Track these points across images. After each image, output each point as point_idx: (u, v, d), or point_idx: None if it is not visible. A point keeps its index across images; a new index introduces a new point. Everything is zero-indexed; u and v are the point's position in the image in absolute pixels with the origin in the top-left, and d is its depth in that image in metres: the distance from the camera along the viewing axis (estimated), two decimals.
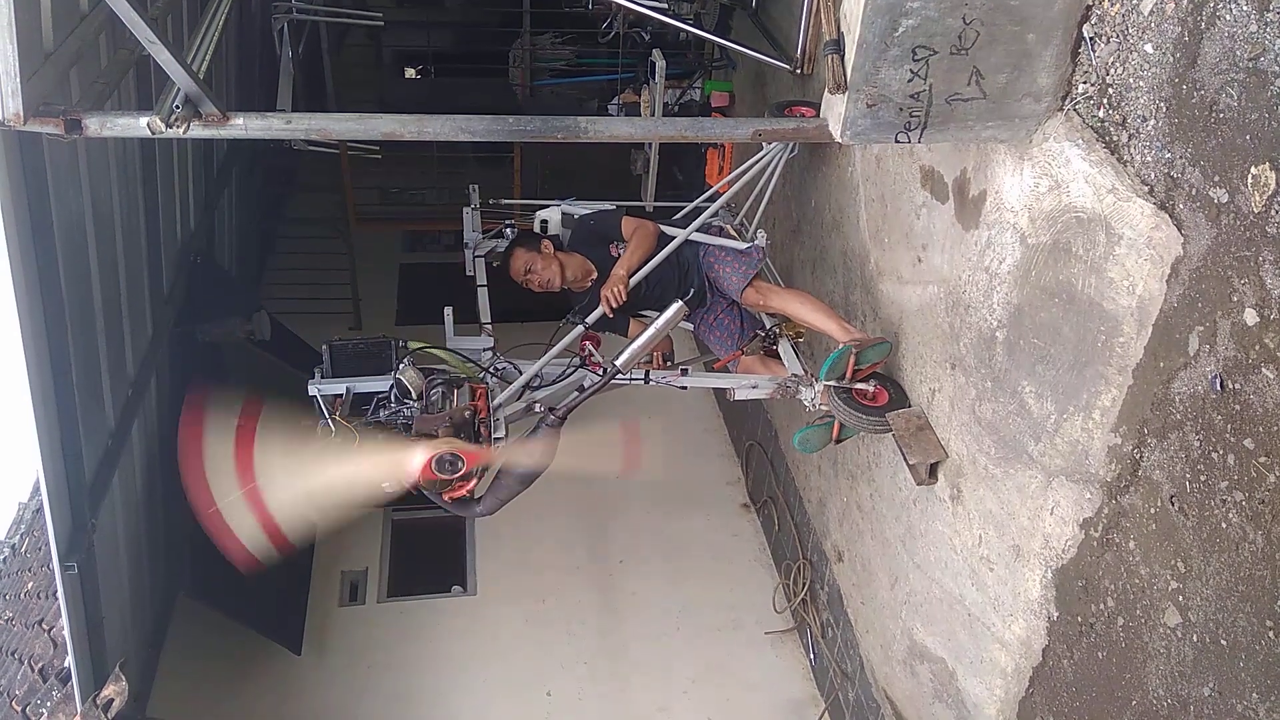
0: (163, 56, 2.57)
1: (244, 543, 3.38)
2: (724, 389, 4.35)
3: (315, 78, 8.52)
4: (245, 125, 2.76)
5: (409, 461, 3.36)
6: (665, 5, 6.27)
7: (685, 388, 4.30)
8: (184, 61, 2.61)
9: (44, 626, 4.61)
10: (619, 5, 6.32)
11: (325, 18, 8.09)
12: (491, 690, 5.61)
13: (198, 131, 2.70)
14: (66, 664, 4.04)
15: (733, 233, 4.76)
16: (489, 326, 4.33)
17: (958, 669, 4.00)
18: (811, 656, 5.75)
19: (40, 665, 4.38)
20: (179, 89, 2.66)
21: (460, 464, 3.43)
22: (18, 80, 2.46)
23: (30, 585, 5.34)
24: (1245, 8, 2.23)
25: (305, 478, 3.33)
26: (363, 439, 3.46)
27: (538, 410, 3.79)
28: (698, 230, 4.37)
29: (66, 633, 3.79)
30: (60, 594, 3.70)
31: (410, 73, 11.61)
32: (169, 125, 2.63)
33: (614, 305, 4.15)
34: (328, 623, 5.91)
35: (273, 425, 3.46)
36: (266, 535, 3.38)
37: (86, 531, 3.74)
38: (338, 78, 8.96)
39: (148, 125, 2.62)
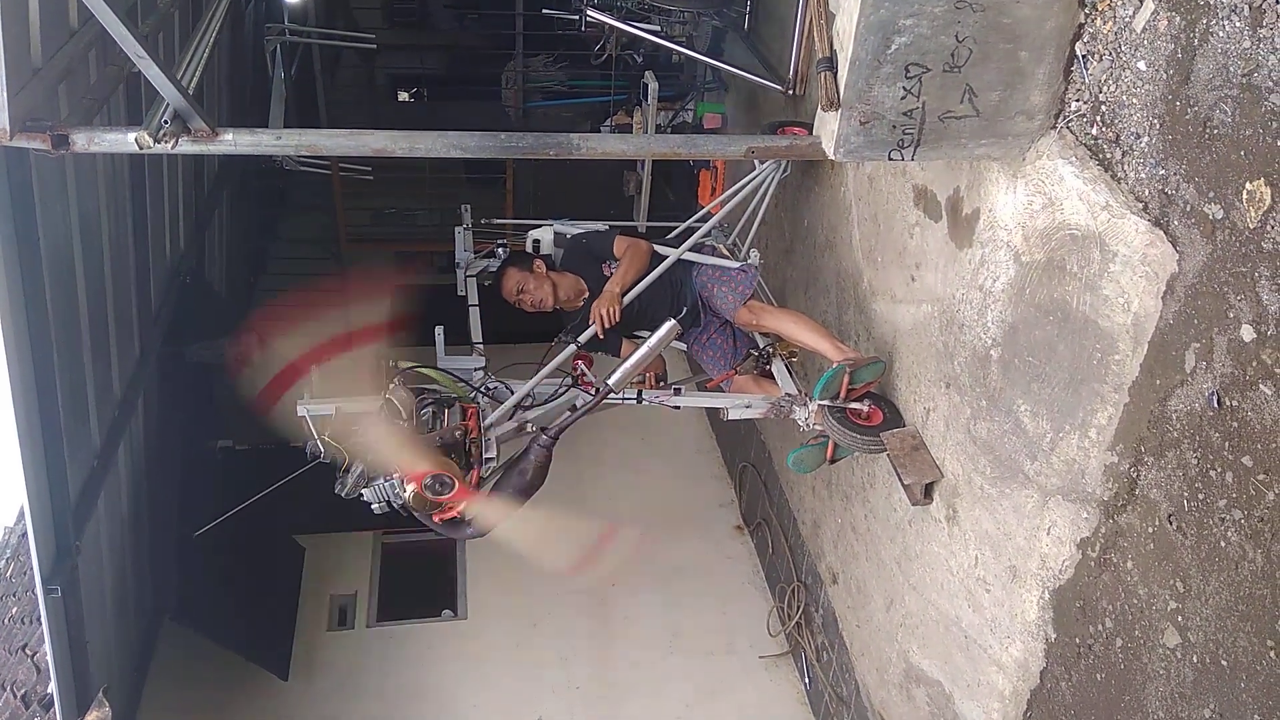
0: (152, 72, 2.56)
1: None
2: (717, 409, 4.33)
3: (308, 100, 8.55)
4: (234, 141, 2.75)
5: (408, 462, 3.37)
6: (658, 27, 6.31)
7: (678, 407, 4.27)
8: (173, 77, 2.59)
9: (27, 652, 4.54)
10: (612, 27, 6.36)
11: (318, 40, 8.13)
12: (483, 715, 5.54)
13: (186, 147, 2.69)
14: (49, 690, 3.97)
15: (725, 252, 4.75)
16: (480, 346, 4.31)
17: (955, 692, 3.95)
18: (806, 680, 5.70)
19: (23, 691, 4.31)
20: (168, 104, 2.64)
21: (451, 485, 3.40)
22: (4, 95, 2.44)
23: (14, 610, 5.26)
24: (1238, 24, 2.24)
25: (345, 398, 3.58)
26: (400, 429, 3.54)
27: (529, 430, 3.76)
28: (690, 250, 4.36)
29: (49, 658, 3.73)
30: (43, 618, 3.64)
31: (403, 95, 11.66)
32: (157, 140, 2.61)
33: (607, 324, 4.12)
34: (316, 647, 5.83)
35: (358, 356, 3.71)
36: (269, 389, 3.68)
37: (70, 554, 3.69)
38: (330, 100, 9.00)
39: (135, 140, 2.61)
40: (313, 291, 4.07)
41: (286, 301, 3.85)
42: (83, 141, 2.63)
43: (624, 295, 4.19)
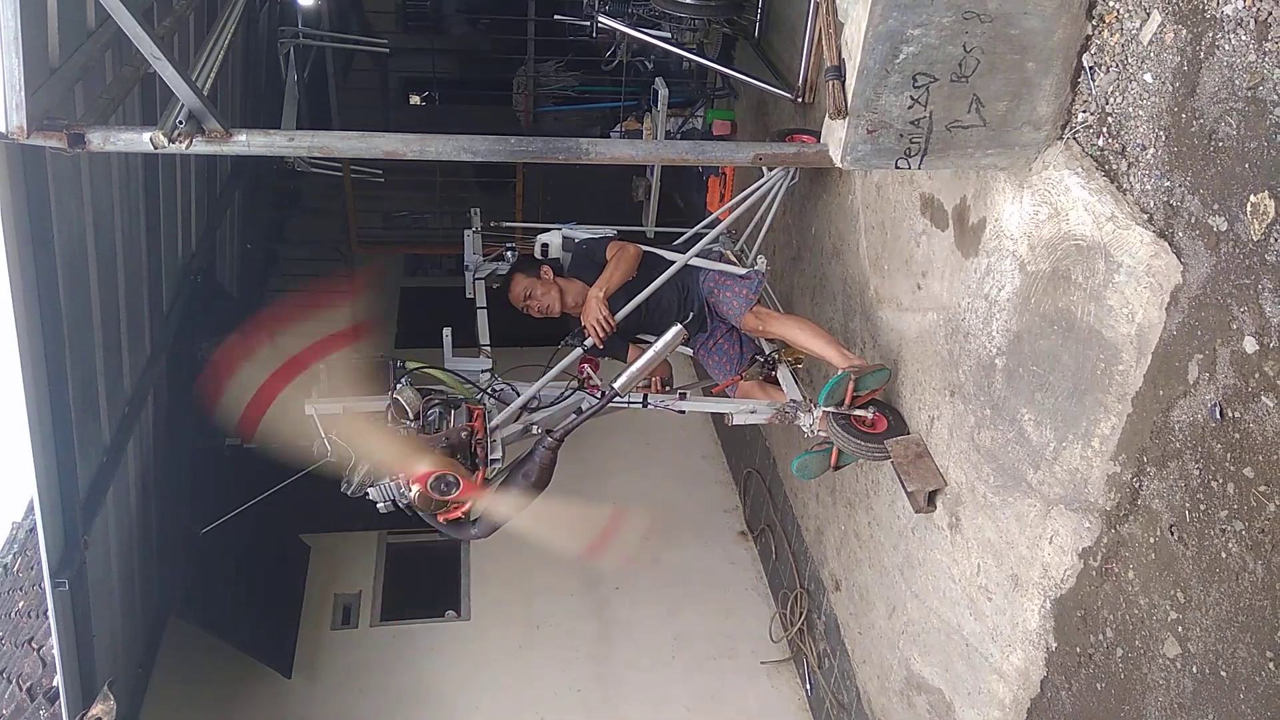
0: (167, 73, 2.59)
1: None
2: (722, 414, 4.34)
3: (320, 103, 8.59)
4: (248, 142, 2.77)
5: (409, 465, 3.40)
6: (668, 34, 6.32)
7: (683, 412, 4.29)
8: (188, 78, 2.62)
9: (33, 645, 4.57)
10: (623, 33, 6.37)
11: (331, 43, 8.17)
12: (484, 717, 5.55)
13: (200, 147, 2.71)
14: (55, 683, 3.99)
15: (733, 258, 4.77)
16: (488, 348, 4.33)
17: (955, 700, 3.96)
18: (808, 687, 5.70)
19: (29, 684, 4.33)
20: (183, 105, 2.67)
21: (457, 485, 3.42)
22: (22, 94, 2.46)
23: (21, 604, 5.29)
24: (1244, 37, 2.25)
25: (336, 409, 3.57)
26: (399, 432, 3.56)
27: (535, 432, 3.78)
28: (698, 255, 4.38)
29: (56, 651, 3.75)
30: (50, 611, 3.66)
31: (415, 99, 11.71)
32: (172, 140, 2.63)
33: (602, 331, 4.12)
34: (319, 646, 5.86)
35: (342, 363, 3.73)
36: (242, 416, 3.77)
37: (79, 548, 3.72)
38: (342, 103, 9.04)
39: (150, 140, 2.63)
40: (295, 301, 4.12)
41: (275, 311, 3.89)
42: (98, 140, 2.65)
43: (608, 297, 4.18)
